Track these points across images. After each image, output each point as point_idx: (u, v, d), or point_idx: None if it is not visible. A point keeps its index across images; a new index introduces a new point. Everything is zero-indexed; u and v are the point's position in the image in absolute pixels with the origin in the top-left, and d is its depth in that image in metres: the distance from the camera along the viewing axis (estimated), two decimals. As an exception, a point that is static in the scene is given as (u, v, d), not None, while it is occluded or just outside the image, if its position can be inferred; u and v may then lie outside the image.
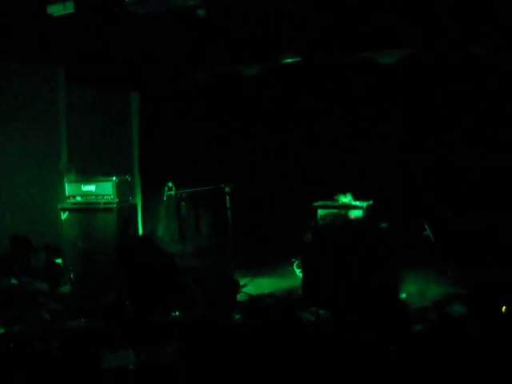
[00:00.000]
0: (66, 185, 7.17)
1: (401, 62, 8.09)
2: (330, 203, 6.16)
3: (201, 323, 5.36)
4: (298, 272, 7.17)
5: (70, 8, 6.32)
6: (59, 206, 7.13)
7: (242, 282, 6.97)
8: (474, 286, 6.09)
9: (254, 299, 6.28)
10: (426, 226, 7.04)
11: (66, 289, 6.98)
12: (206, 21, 7.47)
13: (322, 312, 5.68)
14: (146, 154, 9.60)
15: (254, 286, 7.03)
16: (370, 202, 6.07)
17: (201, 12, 7.07)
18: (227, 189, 6.81)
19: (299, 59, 8.46)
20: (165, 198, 6.80)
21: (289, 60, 8.49)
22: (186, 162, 8.75)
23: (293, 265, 7.43)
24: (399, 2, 6.88)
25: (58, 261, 7.19)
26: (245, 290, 6.79)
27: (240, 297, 6.51)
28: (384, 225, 6.00)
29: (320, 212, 6.13)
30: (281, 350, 5.19)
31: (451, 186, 7.72)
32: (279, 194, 8.44)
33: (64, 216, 7.06)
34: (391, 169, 7.93)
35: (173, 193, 6.76)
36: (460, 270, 6.65)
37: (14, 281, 5.80)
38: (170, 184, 6.78)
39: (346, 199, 6.05)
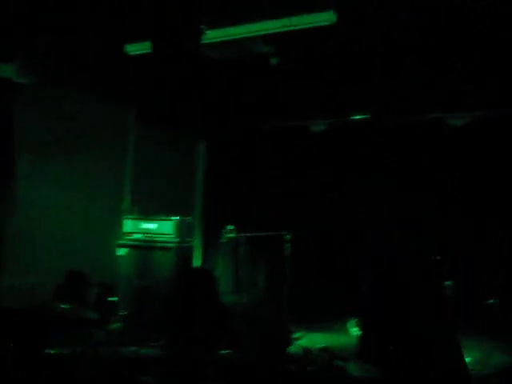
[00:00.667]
0: (124, 221, 7.18)
1: (469, 124, 8.00)
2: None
3: (250, 366, 5.19)
4: (354, 331, 6.90)
5: (146, 47, 6.49)
6: (116, 242, 7.13)
7: (295, 335, 6.78)
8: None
9: (306, 351, 6.08)
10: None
11: (116, 326, 6.93)
12: (278, 71, 7.59)
13: (375, 370, 5.47)
14: (208, 198, 9.60)
15: (307, 340, 6.79)
16: (437, 257, 5.83)
17: (274, 60, 7.16)
18: (288, 236, 6.68)
19: (368, 116, 8.43)
20: (224, 240, 6.72)
21: (358, 117, 8.47)
22: (248, 209, 8.70)
23: (349, 323, 7.15)
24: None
25: (113, 299, 7.18)
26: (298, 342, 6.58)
27: (292, 348, 6.33)
28: (449, 282, 5.76)
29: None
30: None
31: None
32: (340, 247, 8.26)
33: (120, 252, 7.04)
34: (460, 226, 7.69)
35: (232, 235, 6.68)
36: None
37: (64, 306, 5.76)
38: (231, 227, 6.72)
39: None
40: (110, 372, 4.62)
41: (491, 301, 7.01)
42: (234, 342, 5.30)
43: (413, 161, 8.34)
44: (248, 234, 6.87)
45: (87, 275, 7.23)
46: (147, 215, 7.17)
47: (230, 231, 6.71)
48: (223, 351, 5.20)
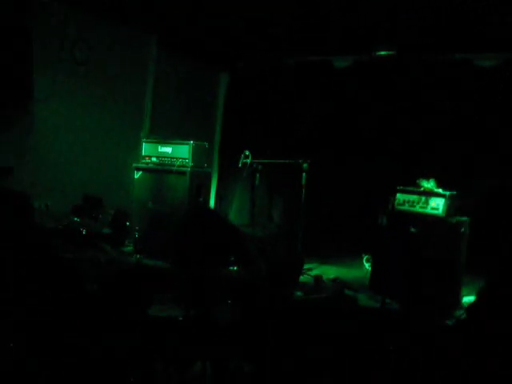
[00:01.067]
0: (144, 144, 7.13)
1: (501, 65, 7.76)
2: (410, 188, 5.83)
3: (258, 287, 5.16)
4: (367, 266, 6.86)
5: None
6: (134, 165, 7.09)
7: (307, 266, 6.74)
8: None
9: (317, 279, 6.05)
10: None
11: (128, 249, 6.95)
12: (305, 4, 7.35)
13: (387, 300, 5.43)
14: (228, 129, 9.51)
15: (319, 271, 6.75)
16: (454, 193, 5.68)
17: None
18: (305, 165, 6.56)
19: (393, 52, 8.20)
20: (240, 165, 6.63)
21: (382, 53, 8.24)
22: (267, 139, 8.60)
23: (362, 258, 7.11)
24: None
25: (126, 224, 7.19)
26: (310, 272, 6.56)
27: (304, 278, 6.30)
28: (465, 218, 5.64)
29: (399, 196, 5.83)
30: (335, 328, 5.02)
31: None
32: (358, 177, 8.14)
33: (137, 175, 7.00)
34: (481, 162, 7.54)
35: (248, 160, 6.59)
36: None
37: (76, 219, 5.75)
38: (247, 152, 6.62)
39: (428, 185, 5.70)
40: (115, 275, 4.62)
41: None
42: (245, 260, 5.25)
43: (438, 101, 8.13)
44: (265, 161, 6.77)
45: (102, 199, 7.22)
46: (164, 139, 7.10)
47: (246, 156, 6.61)
48: (232, 267, 5.16)
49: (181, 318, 4.77)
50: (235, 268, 5.16)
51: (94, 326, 4.30)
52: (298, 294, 5.65)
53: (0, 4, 6.20)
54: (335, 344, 4.99)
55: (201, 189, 6.81)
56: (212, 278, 4.76)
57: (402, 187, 5.86)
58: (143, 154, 7.10)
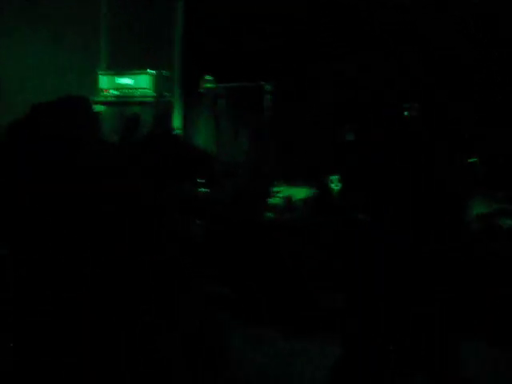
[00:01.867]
0: (100, 77, 6.96)
1: None
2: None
3: (226, 207, 5.16)
4: (335, 186, 6.87)
5: None
6: (91, 99, 6.92)
7: (276, 189, 6.73)
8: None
9: (287, 199, 6.06)
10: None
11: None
12: None
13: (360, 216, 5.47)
14: (188, 56, 9.26)
15: (289, 193, 6.75)
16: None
17: None
18: (267, 87, 6.48)
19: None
20: (202, 90, 6.53)
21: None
22: (229, 62, 8.38)
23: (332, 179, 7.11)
24: None
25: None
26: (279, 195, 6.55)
27: (274, 200, 6.30)
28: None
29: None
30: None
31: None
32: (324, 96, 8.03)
33: (98, 109, 6.86)
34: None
35: (210, 86, 6.48)
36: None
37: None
38: (209, 77, 6.50)
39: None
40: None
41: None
42: (212, 181, 5.20)
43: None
44: (227, 85, 6.66)
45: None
46: (123, 70, 6.94)
47: (208, 81, 6.49)
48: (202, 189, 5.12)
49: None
50: (203, 189, 5.11)
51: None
52: (269, 214, 5.65)
53: None
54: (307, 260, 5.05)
55: (162, 119, 6.71)
56: (181, 198, 4.72)
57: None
58: (100, 86, 6.93)
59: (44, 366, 3.27)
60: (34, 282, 3.36)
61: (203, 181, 5.05)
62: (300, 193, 6.87)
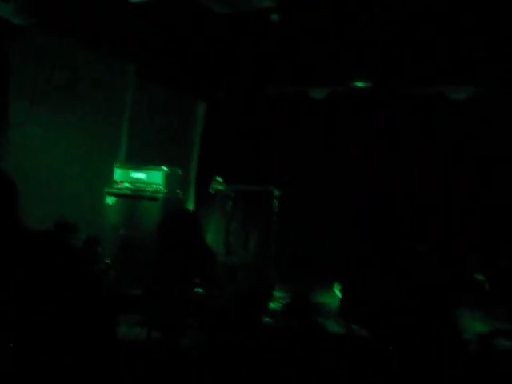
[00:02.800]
0: (116, 170, 7.15)
1: (471, 99, 7.91)
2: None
3: (224, 311, 5.14)
4: (338, 294, 6.86)
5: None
6: (105, 190, 7.09)
7: (279, 294, 6.73)
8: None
9: (287, 306, 6.04)
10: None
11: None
12: (278, 32, 7.46)
13: (354, 327, 5.45)
14: (204, 156, 9.51)
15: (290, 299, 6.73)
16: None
17: (274, 17, 7.03)
18: (276, 192, 6.61)
19: (370, 85, 8.32)
20: (212, 191, 6.67)
21: (359, 84, 8.36)
22: (242, 167, 8.60)
23: (334, 286, 7.11)
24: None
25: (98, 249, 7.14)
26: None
27: (274, 305, 6.28)
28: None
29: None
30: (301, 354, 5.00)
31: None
32: (330, 207, 8.15)
33: (110, 201, 7.00)
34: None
35: (221, 187, 6.62)
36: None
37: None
38: (219, 178, 6.65)
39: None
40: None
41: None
42: (214, 283, 5.23)
43: (413, 132, 8.24)
44: (237, 187, 6.81)
45: (74, 225, 7.18)
46: (138, 165, 7.12)
47: (218, 182, 6.64)
48: (199, 289, 5.14)
49: (143, 341, 4.73)
50: (200, 290, 5.14)
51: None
52: (267, 319, 5.63)
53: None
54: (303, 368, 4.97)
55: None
56: (178, 299, 4.75)
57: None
58: (115, 178, 7.10)
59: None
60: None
61: (203, 281, 5.11)
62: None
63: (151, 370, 4.65)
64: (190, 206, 8.64)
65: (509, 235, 7.27)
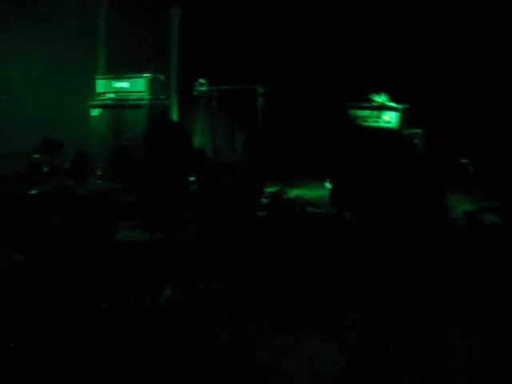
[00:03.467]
0: (97, 81, 7.11)
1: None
2: (363, 104, 5.95)
3: (219, 209, 5.28)
4: (329, 186, 6.99)
5: None
6: (89, 103, 7.08)
7: (270, 189, 6.87)
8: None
9: (278, 197, 6.18)
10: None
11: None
12: None
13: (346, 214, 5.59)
14: (184, 60, 9.38)
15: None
16: (407, 106, 5.81)
17: None
18: (260, 89, 6.62)
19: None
20: (195, 93, 6.68)
21: None
22: (223, 66, 8.50)
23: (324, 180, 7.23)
24: None
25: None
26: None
27: (266, 200, 6.42)
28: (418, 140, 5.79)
29: (351, 113, 5.95)
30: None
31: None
32: (311, 96, 8.12)
33: (94, 113, 7.00)
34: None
35: (204, 88, 6.63)
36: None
37: (37, 156, 5.77)
38: (202, 80, 6.65)
39: (380, 99, 5.82)
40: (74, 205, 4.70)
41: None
42: (208, 182, 5.34)
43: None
44: (220, 87, 6.81)
45: (62, 142, 7.20)
46: (119, 74, 7.08)
47: (201, 84, 6.65)
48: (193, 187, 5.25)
49: (146, 242, 4.86)
50: (195, 187, 5.23)
51: (60, 258, 4.41)
52: (261, 213, 5.77)
53: None
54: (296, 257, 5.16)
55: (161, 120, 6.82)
56: (175, 197, 4.85)
57: (353, 103, 5.96)
58: (98, 90, 7.08)
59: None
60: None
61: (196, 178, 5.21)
62: (292, 193, 7.02)
63: (155, 267, 4.83)
64: (174, 111, 8.64)
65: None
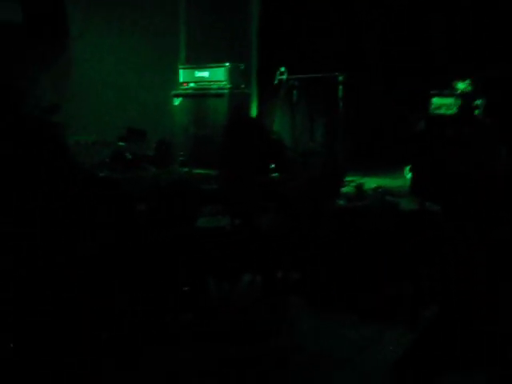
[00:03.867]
0: (180, 71, 7.26)
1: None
2: (446, 91, 5.83)
3: (300, 193, 5.29)
4: (407, 175, 6.90)
5: None
6: (172, 93, 7.23)
7: (349, 179, 6.84)
8: None
9: (359, 187, 6.15)
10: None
11: (176, 169, 7.12)
12: None
13: (428, 203, 5.52)
14: (264, 48, 9.40)
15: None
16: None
17: None
18: (341, 78, 6.59)
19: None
20: (276, 82, 6.72)
21: None
22: (303, 55, 8.47)
23: (404, 168, 7.14)
24: None
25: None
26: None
27: (346, 189, 6.41)
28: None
29: (435, 101, 5.84)
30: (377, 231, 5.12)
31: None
32: (393, 85, 8.00)
33: (177, 102, 7.15)
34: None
35: (284, 77, 6.66)
36: None
37: (122, 143, 5.94)
38: (283, 69, 6.69)
39: (463, 86, 5.69)
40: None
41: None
42: (287, 170, 5.36)
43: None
44: (301, 76, 6.82)
45: (145, 131, 7.38)
46: (201, 64, 7.20)
47: (281, 73, 6.68)
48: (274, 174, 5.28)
49: (227, 227, 4.92)
50: (276, 175, 5.27)
51: (144, 243, 4.53)
52: (341, 202, 5.75)
53: None
54: (377, 247, 5.12)
55: (240, 109, 6.92)
56: (255, 185, 4.90)
57: (437, 91, 5.84)
58: (181, 80, 7.23)
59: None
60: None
61: (275, 166, 5.25)
62: (372, 182, 6.97)
63: (237, 259, 4.89)
64: (254, 100, 8.69)
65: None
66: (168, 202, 4.86)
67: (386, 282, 5.14)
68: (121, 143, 5.93)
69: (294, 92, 6.81)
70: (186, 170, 6.56)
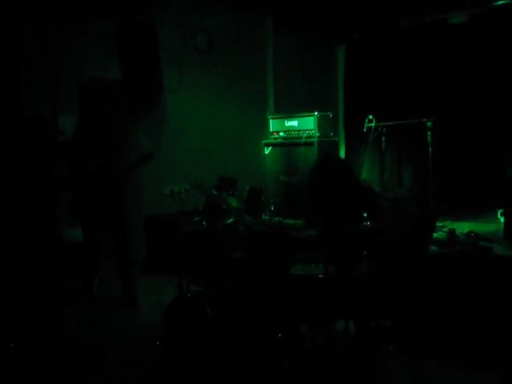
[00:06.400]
0: (270, 121, 7.50)
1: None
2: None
3: (387, 241, 5.30)
4: (502, 219, 6.80)
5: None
6: (263, 142, 7.46)
7: (440, 224, 6.80)
8: None
9: (451, 232, 6.11)
10: None
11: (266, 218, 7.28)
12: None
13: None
14: (350, 97, 9.54)
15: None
16: None
17: None
18: (429, 123, 6.62)
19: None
20: (365, 130, 6.82)
21: (501, 2, 7.97)
22: (389, 101, 8.53)
23: (497, 212, 7.05)
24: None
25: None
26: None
27: (437, 235, 6.36)
28: None
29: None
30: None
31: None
32: (484, 131, 7.93)
33: (267, 151, 7.36)
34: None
35: (373, 125, 6.75)
36: None
37: (215, 191, 6.09)
38: (371, 116, 6.78)
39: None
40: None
41: None
42: (375, 216, 5.39)
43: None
44: (388, 123, 6.89)
45: (236, 179, 7.59)
46: (289, 113, 7.41)
47: (370, 120, 6.78)
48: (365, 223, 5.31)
49: (321, 276, 4.98)
50: (368, 223, 5.31)
51: (241, 289, 4.67)
52: (433, 248, 5.73)
53: (124, 5, 6.67)
54: (475, 295, 5.06)
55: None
56: (348, 234, 4.96)
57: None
58: (271, 130, 7.46)
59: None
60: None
61: (368, 215, 5.29)
62: (464, 227, 6.89)
63: (330, 306, 4.93)
64: (342, 147, 8.83)
65: None
66: (263, 250, 4.99)
67: (481, 328, 5.06)
68: (214, 191, 6.11)
69: (383, 139, 6.88)
70: (277, 219, 6.71)
